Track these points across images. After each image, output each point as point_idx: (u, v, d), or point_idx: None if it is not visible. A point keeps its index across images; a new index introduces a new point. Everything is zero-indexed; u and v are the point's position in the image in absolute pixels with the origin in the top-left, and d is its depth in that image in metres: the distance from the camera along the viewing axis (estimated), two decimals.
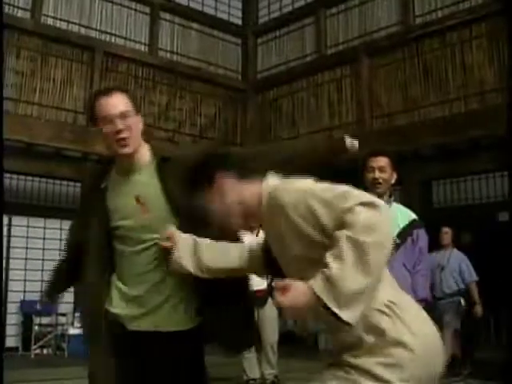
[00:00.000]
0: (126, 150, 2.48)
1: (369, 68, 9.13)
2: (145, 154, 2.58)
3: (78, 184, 9.10)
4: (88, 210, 2.58)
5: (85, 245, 2.51)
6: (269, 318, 6.52)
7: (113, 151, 2.52)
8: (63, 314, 9.06)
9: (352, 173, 3.95)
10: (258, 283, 6.46)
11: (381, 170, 4.34)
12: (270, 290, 6.57)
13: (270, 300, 6.55)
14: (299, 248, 2.00)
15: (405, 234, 4.30)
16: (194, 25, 10.71)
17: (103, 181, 2.57)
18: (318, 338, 9.62)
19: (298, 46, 10.55)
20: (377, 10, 9.45)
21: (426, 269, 4.38)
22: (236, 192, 2.11)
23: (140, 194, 2.47)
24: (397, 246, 4.19)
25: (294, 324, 10.16)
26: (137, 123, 2.55)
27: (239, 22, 11.38)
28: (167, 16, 10.39)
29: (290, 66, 10.53)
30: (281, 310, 1.93)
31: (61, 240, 8.67)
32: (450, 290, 7.13)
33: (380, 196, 4.28)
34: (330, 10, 10.12)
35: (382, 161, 4.36)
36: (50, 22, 9.02)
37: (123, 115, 2.48)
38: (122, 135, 2.46)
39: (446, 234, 7.32)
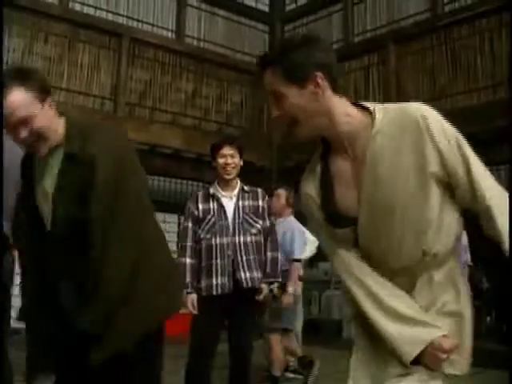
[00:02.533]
0: (41, 153, 2.37)
1: (396, 56, 9.06)
2: (58, 133, 2.38)
3: None
4: None
5: None
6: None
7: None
8: None
9: None
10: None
11: None
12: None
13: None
14: (419, 197, 1.82)
15: None
16: (221, 11, 10.70)
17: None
18: (342, 326, 9.60)
19: (324, 34, 10.48)
20: None
21: None
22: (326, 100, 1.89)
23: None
24: None
25: (319, 312, 10.17)
26: (43, 118, 2.31)
27: (266, 8, 11.34)
28: (194, 2, 10.38)
29: None
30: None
31: None
32: None
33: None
34: None
35: None
36: (77, 7, 9.07)
37: (24, 121, 2.27)
38: (30, 142, 2.33)
39: (278, 196, 6.55)
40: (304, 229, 6.83)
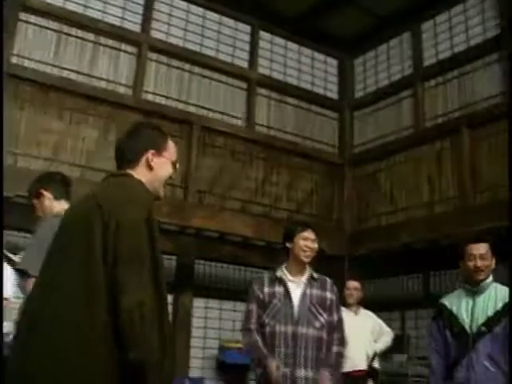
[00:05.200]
0: None
1: (470, 140, 8.86)
2: None
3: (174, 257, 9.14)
4: None
5: None
6: None
7: None
8: None
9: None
10: (356, 363, 6.28)
11: (482, 257, 4.26)
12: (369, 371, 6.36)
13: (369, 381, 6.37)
14: None
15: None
16: (290, 99, 10.77)
17: None
18: None
19: (394, 119, 10.42)
20: (477, 81, 9.26)
21: None
22: None
23: None
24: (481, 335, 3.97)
25: None
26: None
27: (335, 96, 11.37)
28: (264, 91, 10.49)
29: (386, 139, 10.38)
30: None
31: None
32: None
33: (482, 281, 4.12)
34: (429, 82, 9.99)
35: (483, 248, 4.27)
36: (150, 97, 9.25)
37: None
38: None
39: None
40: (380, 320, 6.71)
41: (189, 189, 8.88)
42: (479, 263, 4.24)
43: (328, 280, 4.42)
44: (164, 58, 9.58)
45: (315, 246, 4.35)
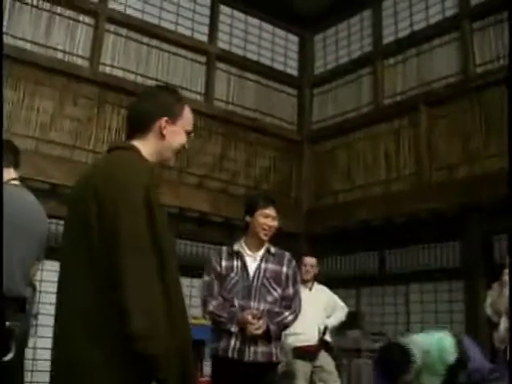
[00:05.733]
0: None
1: (427, 118, 8.93)
2: None
3: None
4: None
5: None
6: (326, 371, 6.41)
7: None
8: None
9: None
10: (309, 337, 6.33)
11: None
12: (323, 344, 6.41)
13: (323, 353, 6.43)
14: None
15: None
16: (250, 75, 10.70)
17: None
18: None
19: (354, 97, 10.43)
20: (435, 59, 9.29)
21: None
22: None
23: None
24: None
25: (348, 382, 9.83)
26: None
27: (295, 72, 11.34)
28: (223, 66, 10.40)
29: (346, 116, 10.39)
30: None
31: None
32: None
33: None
34: (388, 60, 10.01)
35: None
36: (107, 70, 9.10)
37: None
38: None
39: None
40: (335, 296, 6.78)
41: None
42: None
43: (286, 254, 4.37)
44: (122, 30, 9.39)
45: (275, 223, 4.30)
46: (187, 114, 2.57)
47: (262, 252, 4.29)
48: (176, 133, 2.49)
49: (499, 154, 7.98)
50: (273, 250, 4.34)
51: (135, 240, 2.08)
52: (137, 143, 2.41)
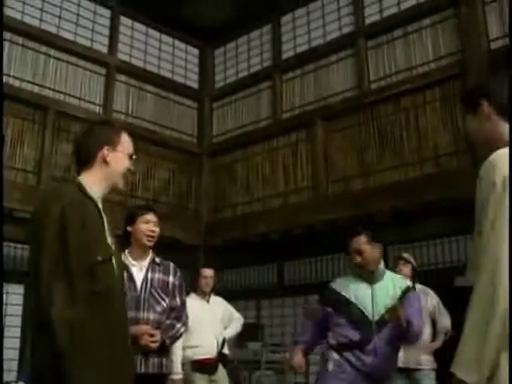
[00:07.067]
0: None
1: (324, 132, 9.12)
2: None
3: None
4: None
5: None
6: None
7: None
8: None
9: None
10: (207, 351, 6.32)
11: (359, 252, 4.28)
12: (220, 357, 6.41)
13: (221, 367, 6.42)
14: None
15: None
16: (150, 87, 10.66)
17: None
18: None
19: (253, 111, 10.54)
20: (332, 75, 9.52)
21: None
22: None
23: None
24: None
25: None
26: None
27: (195, 85, 11.36)
28: (123, 77, 10.32)
29: (245, 130, 10.49)
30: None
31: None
32: None
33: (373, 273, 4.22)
34: (286, 74, 10.17)
35: (358, 242, 4.30)
36: (4, 79, 8.86)
37: None
38: None
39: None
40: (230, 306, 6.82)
41: (42, 174, 8.61)
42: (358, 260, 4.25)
43: (171, 264, 4.35)
44: (19, 39, 9.18)
45: (157, 229, 4.28)
46: (125, 139, 2.77)
47: (147, 262, 4.25)
48: (118, 158, 2.71)
49: (392, 166, 8.25)
50: (157, 259, 4.32)
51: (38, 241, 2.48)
52: (83, 176, 2.67)
